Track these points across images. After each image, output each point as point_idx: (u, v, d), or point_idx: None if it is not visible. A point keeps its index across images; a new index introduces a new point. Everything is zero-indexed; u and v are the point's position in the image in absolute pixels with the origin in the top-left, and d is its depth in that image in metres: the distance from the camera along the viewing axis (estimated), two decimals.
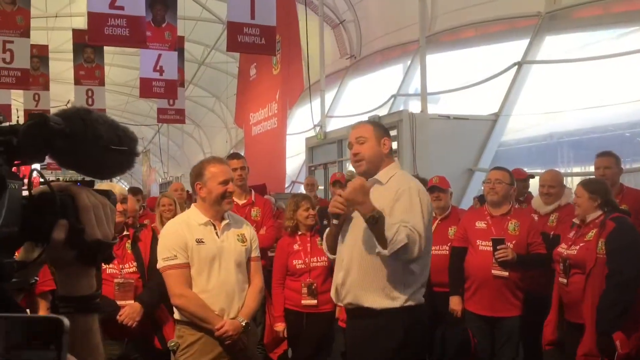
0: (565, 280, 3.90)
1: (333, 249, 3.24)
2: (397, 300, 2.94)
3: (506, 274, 4.21)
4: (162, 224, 4.96)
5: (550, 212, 4.88)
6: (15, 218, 0.88)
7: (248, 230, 3.43)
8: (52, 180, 0.97)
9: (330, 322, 4.55)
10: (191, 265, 3.21)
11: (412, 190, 3.01)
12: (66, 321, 0.74)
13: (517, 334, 4.28)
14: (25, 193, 0.93)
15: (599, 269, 3.68)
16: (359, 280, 2.99)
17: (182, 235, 3.22)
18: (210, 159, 3.44)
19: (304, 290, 4.46)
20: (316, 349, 4.53)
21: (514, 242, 4.28)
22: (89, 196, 0.99)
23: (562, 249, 3.99)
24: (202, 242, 3.22)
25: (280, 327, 4.53)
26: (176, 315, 3.30)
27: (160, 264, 3.24)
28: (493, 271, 4.22)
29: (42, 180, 0.97)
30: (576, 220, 4.03)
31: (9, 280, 0.89)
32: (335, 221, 3.07)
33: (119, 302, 3.54)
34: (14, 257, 0.94)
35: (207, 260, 3.21)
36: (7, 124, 0.91)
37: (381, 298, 2.95)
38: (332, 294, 3.21)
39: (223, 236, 3.29)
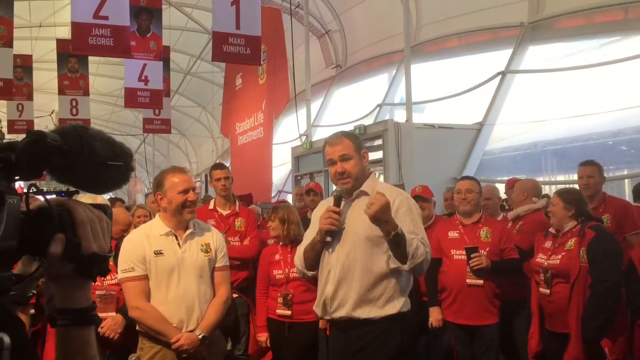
0: (547, 291, 3.91)
1: (313, 266, 3.16)
2: (392, 308, 2.96)
3: (481, 282, 4.26)
4: None
5: (513, 219, 4.98)
6: (14, 232, 0.90)
7: (214, 240, 3.37)
8: (47, 192, 0.98)
9: (314, 331, 4.53)
10: (150, 278, 3.18)
11: (409, 201, 3.10)
12: (6, 339, 0.76)
13: (496, 341, 4.32)
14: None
15: (583, 278, 3.70)
16: (356, 292, 2.96)
17: (140, 246, 3.20)
18: (170, 169, 3.41)
19: (279, 300, 4.45)
20: (300, 357, 4.50)
21: (487, 249, 4.34)
22: (86, 210, 1.01)
23: (541, 259, 4.00)
24: (161, 253, 3.18)
25: (262, 337, 4.51)
26: (138, 327, 3.26)
27: (119, 276, 3.22)
28: (467, 280, 4.27)
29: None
30: (552, 230, 4.05)
31: (7, 294, 0.91)
32: (329, 238, 3.01)
33: (100, 314, 3.52)
34: (12, 270, 0.96)
35: (165, 272, 3.17)
36: (5, 140, 0.95)
37: (378, 308, 2.95)
38: (318, 307, 3.15)
39: (185, 246, 3.24)
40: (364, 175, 3.13)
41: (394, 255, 2.89)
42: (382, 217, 2.81)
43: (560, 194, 4.06)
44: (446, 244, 4.46)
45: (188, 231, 3.28)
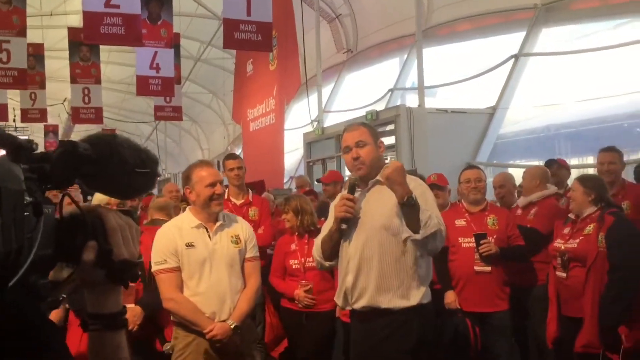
0: (564, 274, 3.92)
1: (331, 256, 3.17)
2: (412, 299, 2.97)
3: (488, 269, 4.28)
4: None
5: (526, 205, 5.00)
6: (49, 241, 0.92)
7: (244, 231, 3.43)
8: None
9: (331, 320, 4.56)
10: (182, 269, 3.26)
11: (423, 187, 3.11)
12: None
13: (508, 327, 4.34)
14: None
15: (600, 263, 3.70)
16: (374, 281, 2.97)
17: (172, 239, 3.28)
18: (197, 163, 3.49)
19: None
20: (318, 346, 4.53)
21: (494, 236, 4.35)
22: (116, 218, 1.04)
23: (559, 243, 4.01)
24: (193, 245, 3.26)
25: (300, 291, 4.45)
26: (172, 317, 3.35)
27: (153, 268, 3.31)
28: (475, 267, 4.29)
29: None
30: (571, 216, 4.05)
31: (45, 300, 0.94)
32: (344, 226, 3.01)
33: None
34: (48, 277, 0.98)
35: (197, 264, 3.25)
36: (38, 150, 0.96)
37: (397, 298, 2.96)
38: (339, 298, 3.17)
39: (215, 238, 3.31)
40: (379, 164, 3.12)
41: (407, 223, 2.89)
42: (396, 178, 2.85)
43: (581, 179, 4.07)
44: (453, 232, 4.46)
45: (218, 223, 3.35)
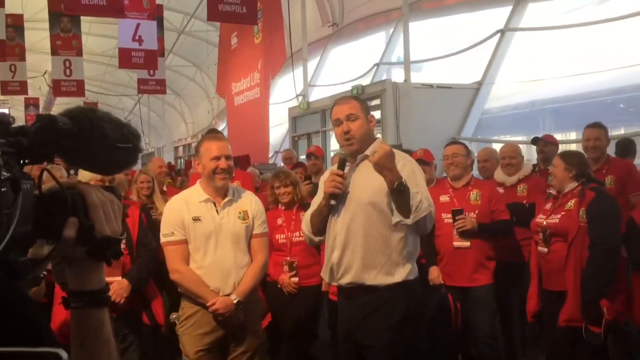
0: (545, 249, 3.96)
1: (320, 231, 3.16)
2: (397, 275, 2.96)
3: (467, 244, 4.30)
4: (140, 199, 5.06)
5: (515, 183, 5.03)
6: (29, 217, 0.91)
7: (252, 207, 3.41)
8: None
9: (317, 294, 4.59)
10: (189, 242, 3.27)
11: (412, 164, 3.09)
12: (64, 354, 0.76)
13: (489, 302, 4.36)
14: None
15: (581, 237, 3.74)
16: (360, 258, 2.97)
17: (179, 212, 3.29)
18: (208, 135, 3.49)
19: (285, 267, 4.49)
20: (303, 321, 4.56)
21: (476, 211, 4.37)
22: (97, 194, 1.02)
23: (541, 219, 4.04)
24: (199, 219, 3.26)
25: (285, 277, 4.48)
26: (179, 289, 3.37)
27: (161, 240, 3.34)
28: (454, 243, 4.32)
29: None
30: (552, 191, 4.09)
31: (25, 278, 0.92)
32: (333, 202, 3.00)
33: (106, 279, 3.53)
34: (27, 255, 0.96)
35: (203, 238, 3.26)
36: (15, 125, 0.94)
37: (383, 275, 2.95)
38: (325, 273, 3.17)
39: (223, 213, 3.31)
40: (369, 138, 3.10)
41: (397, 208, 2.86)
42: (385, 164, 2.81)
43: (563, 155, 4.09)
44: (437, 208, 4.45)
45: (227, 198, 3.33)
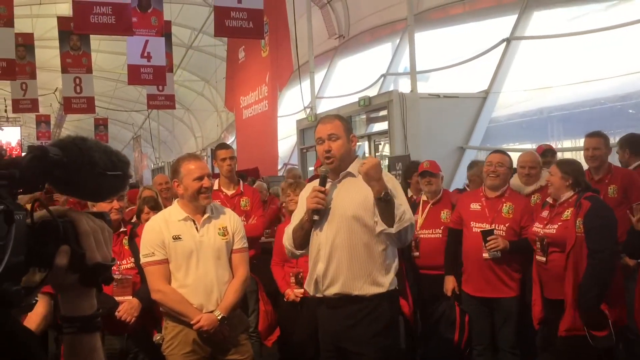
0: (544, 259, 3.95)
1: (302, 245, 3.27)
2: (382, 285, 3.11)
3: (498, 254, 4.24)
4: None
5: (531, 192, 4.88)
6: (21, 248, 0.92)
7: (231, 222, 3.46)
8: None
9: None
10: (170, 261, 3.30)
11: (394, 181, 3.23)
12: None
13: (514, 314, 4.28)
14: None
15: (578, 248, 3.74)
16: (346, 269, 3.09)
17: (159, 232, 3.32)
18: (185, 156, 3.54)
19: (292, 280, 4.53)
20: (312, 333, 4.56)
21: (507, 224, 4.30)
22: (88, 221, 1.04)
23: (538, 228, 4.02)
24: (179, 238, 3.30)
25: (290, 292, 4.53)
26: (161, 308, 3.39)
27: (141, 260, 3.37)
28: (484, 254, 4.26)
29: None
30: (549, 200, 4.07)
31: (18, 306, 0.94)
32: (316, 217, 3.12)
33: (117, 298, 3.57)
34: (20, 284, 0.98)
35: (184, 256, 3.29)
36: (7, 156, 0.96)
37: (369, 285, 3.09)
38: (310, 285, 3.27)
39: (203, 230, 3.35)
40: (349, 157, 3.22)
41: (382, 218, 3.00)
42: (374, 174, 2.96)
43: (559, 164, 4.07)
44: (467, 215, 4.45)
45: (205, 215, 3.37)
